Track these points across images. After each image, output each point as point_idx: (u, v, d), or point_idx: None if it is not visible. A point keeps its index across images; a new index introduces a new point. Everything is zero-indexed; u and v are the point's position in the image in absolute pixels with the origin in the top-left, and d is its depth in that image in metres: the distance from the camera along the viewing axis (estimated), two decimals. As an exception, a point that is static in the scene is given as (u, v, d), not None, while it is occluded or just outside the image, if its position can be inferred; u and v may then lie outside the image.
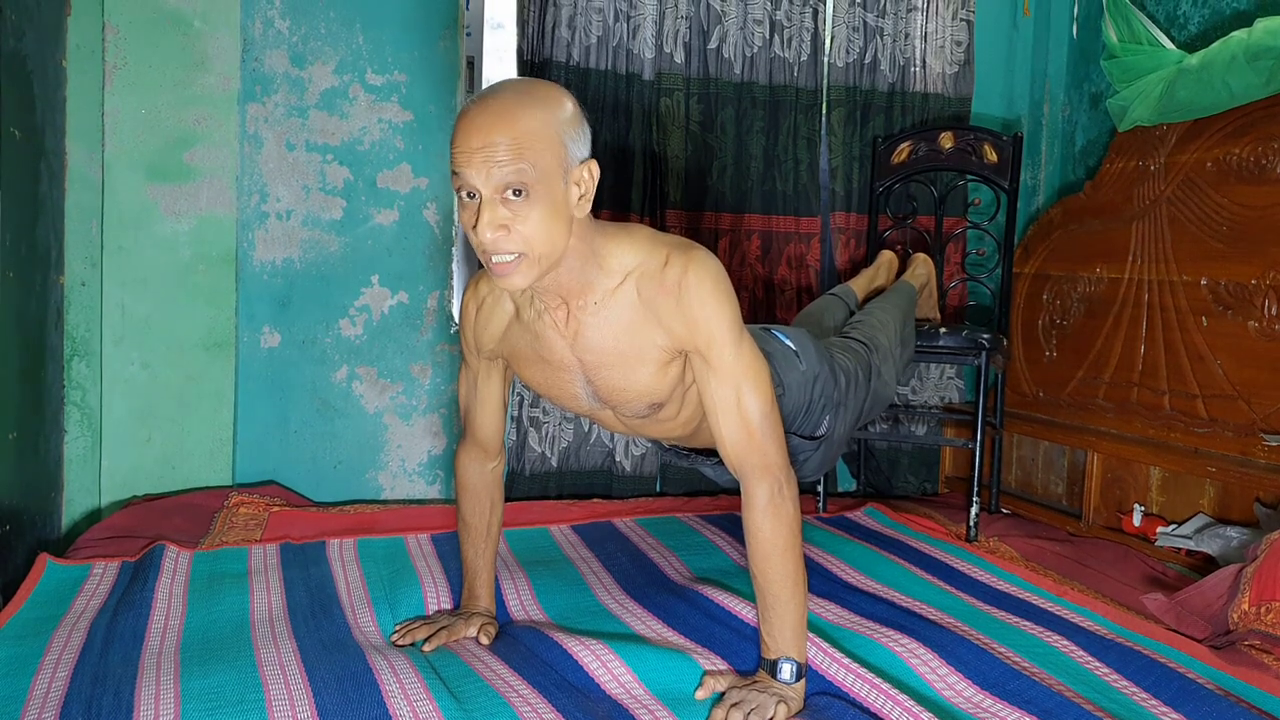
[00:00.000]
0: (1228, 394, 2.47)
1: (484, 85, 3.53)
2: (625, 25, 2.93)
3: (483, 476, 1.85)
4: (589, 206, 1.46)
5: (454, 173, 1.39)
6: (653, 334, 1.54)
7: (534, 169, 1.36)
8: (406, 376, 2.97)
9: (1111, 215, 2.88)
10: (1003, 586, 2.15)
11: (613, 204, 2.92)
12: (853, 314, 2.46)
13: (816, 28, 3.08)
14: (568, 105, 1.42)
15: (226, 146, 2.74)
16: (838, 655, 1.69)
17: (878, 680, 1.60)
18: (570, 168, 1.42)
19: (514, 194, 1.37)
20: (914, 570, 2.24)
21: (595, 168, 1.46)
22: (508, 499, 2.33)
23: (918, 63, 3.15)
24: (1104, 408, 2.82)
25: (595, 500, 2.85)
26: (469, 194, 1.39)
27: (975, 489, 2.61)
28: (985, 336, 2.67)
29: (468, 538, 1.87)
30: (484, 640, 1.77)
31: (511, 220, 1.38)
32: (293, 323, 2.87)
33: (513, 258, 1.41)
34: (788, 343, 1.83)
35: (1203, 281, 2.57)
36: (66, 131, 2.62)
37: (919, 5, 3.14)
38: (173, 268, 2.72)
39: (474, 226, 1.39)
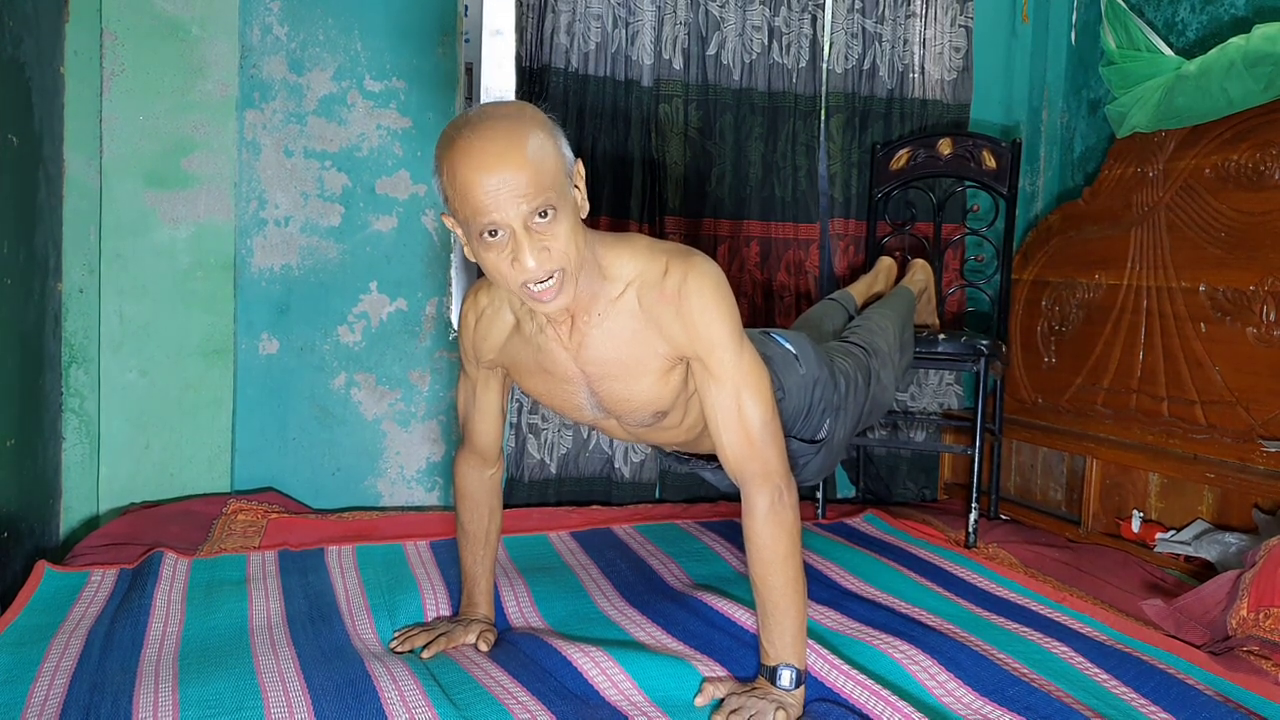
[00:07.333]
0: (1226, 400, 2.47)
1: (482, 92, 3.53)
2: (624, 32, 2.93)
3: (482, 483, 1.85)
4: (588, 206, 1.47)
5: (472, 217, 1.35)
6: (654, 342, 1.54)
7: (554, 186, 1.36)
8: (405, 383, 2.96)
9: (1110, 222, 2.88)
10: (1002, 592, 2.15)
11: (611, 211, 2.92)
12: (852, 319, 2.46)
13: (815, 34, 3.08)
14: (542, 113, 1.42)
15: (225, 153, 2.74)
16: (837, 662, 1.69)
17: (877, 686, 1.60)
18: (570, 171, 1.42)
19: (541, 215, 1.36)
20: (913, 576, 2.24)
21: (582, 166, 1.46)
22: (507, 506, 2.33)
23: (916, 69, 3.15)
24: (1103, 414, 2.82)
25: (594, 507, 2.85)
26: (491, 233, 1.36)
27: (974, 495, 2.61)
28: (984, 343, 2.67)
29: (466, 545, 1.87)
30: (483, 647, 1.77)
31: (544, 240, 1.37)
32: (291, 329, 2.87)
33: (554, 279, 1.40)
34: (787, 346, 1.83)
35: (1201, 288, 2.57)
36: (65, 138, 2.62)
37: (918, 12, 3.14)
38: (171, 274, 2.72)
39: (513, 261, 1.36)
